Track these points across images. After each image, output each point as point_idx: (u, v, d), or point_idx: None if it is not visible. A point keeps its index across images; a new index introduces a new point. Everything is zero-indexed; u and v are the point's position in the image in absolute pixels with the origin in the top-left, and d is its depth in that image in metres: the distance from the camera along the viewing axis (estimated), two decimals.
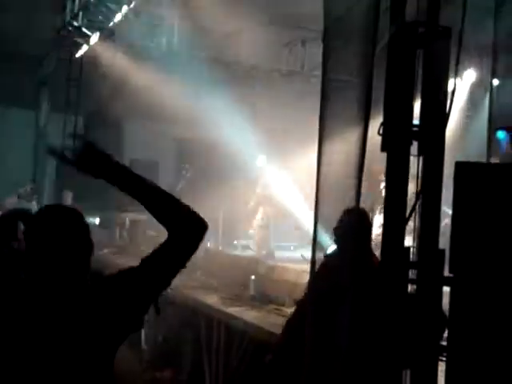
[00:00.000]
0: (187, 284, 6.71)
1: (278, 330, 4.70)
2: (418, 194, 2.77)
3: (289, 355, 3.29)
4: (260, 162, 8.67)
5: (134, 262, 1.84)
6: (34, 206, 8.26)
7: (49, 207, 1.89)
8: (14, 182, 10.03)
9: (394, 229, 2.76)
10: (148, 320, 7.07)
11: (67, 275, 1.75)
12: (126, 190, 1.75)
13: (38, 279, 1.73)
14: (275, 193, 8.44)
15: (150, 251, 1.79)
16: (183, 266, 1.80)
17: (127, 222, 10.17)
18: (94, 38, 8.87)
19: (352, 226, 3.14)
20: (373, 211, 6.34)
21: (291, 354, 3.26)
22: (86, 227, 1.82)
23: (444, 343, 2.80)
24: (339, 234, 3.25)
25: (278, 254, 8.46)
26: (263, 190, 8.53)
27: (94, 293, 1.76)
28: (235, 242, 9.52)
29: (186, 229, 1.77)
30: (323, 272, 3.16)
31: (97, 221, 10.09)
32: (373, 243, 3.48)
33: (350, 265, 2.98)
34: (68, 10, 9.12)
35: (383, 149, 2.79)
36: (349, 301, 2.85)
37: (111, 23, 8.41)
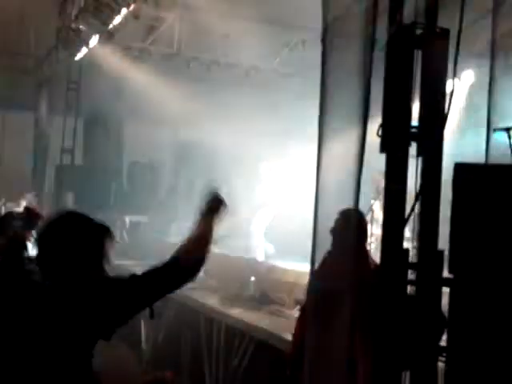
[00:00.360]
0: (187, 284, 6.70)
1: (278, 331, 4.71)
2: (417, 195, 2.78)
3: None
4: (261, 167, 8.68)
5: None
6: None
7: (62, 214, 1.96)
8: (13, 183, 10.03)
9: (393, 230, 2.77)
10: (147, 321, 7.09)
11: (78, 279, 1.84)
12: (205, 224, 2.11)
13: (52, 283, 1.81)
14: (275, 195, 8.43)
15: (148, 269, 1.94)
16: (172, 291, 2.00)
17: (127, 223, 10.17)
18: (94, 40, 8.87)
19: (348, 227, 3.14)
20: (372, 212, 6.35)
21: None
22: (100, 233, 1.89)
23: (443, 344, 2.80)
24: (335, 235, 3.25)
25: (277, 255, 8.46)
26: (264, 193, 8.53)
27: (93, 292, 1.82)
28: (235, 242, 9.51)
29: (193, 265, 2.02)
30: (322, 273, 3.17)
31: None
32: (373, 244, 3.48)
33: (347, 266, 2.98)
34: (67, 12, 9.13)
35: (382, 150, 2.80)
36: (346, 302, 2.85)
37: (110, 25, 8.41)
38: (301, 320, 3.57)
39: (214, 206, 2.16)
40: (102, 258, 1.90)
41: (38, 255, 1.86)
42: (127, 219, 10.07)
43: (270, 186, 8.49)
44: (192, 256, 2.01)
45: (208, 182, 2.25)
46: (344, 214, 3.17)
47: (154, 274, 1.92)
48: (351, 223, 3.11)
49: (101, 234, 1.94)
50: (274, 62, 9.92)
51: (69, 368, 1.80)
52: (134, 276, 1.90)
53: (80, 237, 1.88)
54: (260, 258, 8.02)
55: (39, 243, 1.88)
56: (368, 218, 6.41)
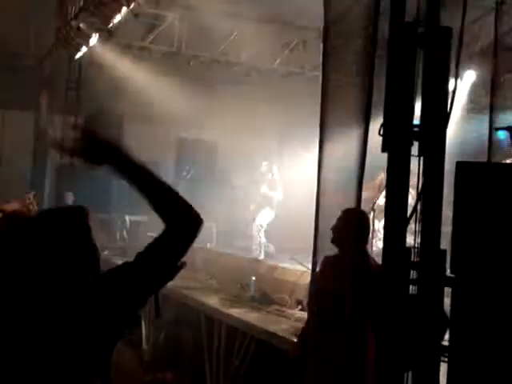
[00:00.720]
0: (188, 285, 6.70)
1: (279, 331, 4.70)
2: (419, 195, 2.76)
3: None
4: (263, 167, 8.65)
5: None
6: None
7: (48, 211, 1.89)
8: (13, 183, 10.02)
9: (395, 229, 2.75)
10: (148, 321, 7.07)
11: (64, 277, 1.76)
12: (129, 178, 1.74)
13: (38, 280, 1.74)
14: (277, 194, 8.41)
15: (145, 245, 1.79)
16: (177, 260, 1.79)
17: (127, 222, 10.16)
18: (94, 39, 8.86)
19: (351, 226, 3.13)
20: (374, 212, 6.33)
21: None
22: (85, 230, 1.82)
23: (446, 344, 2.79)
24: (338, 233, 3.24)
25: (278, 255, 8.45)
26: (265, 192, 8.51)
27: (91, 290, 1.76)
28: (235, 243, 9.52)
29: (182, 222, 1.77)
30: (323, 273, 3.16)
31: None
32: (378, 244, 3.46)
33: (349, 266, 2.97)
34: (67, 11, 9.11)
35: (384, 149, 2.79)
36: (349, 301, 2.84)
37: (110, 24, 8.40)
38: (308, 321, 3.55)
39: (104, 152, 1.70)
40: (89, 253, 1.79)
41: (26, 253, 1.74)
42: (127, 219, 10.06)
43: (272, 185, 8.47)
44: (178, 209, 1.75)
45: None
46: (346, 213, 3.15)
47: (158, 242, 1.75)
48: (352, 222, 3.10)
49: (80, 217, 1.81)
50: (275, 61, 9.90)
51: (94, 364, 1.73)
52: (138, 254, 1.76)
53: (62, 235, 1.76)
54: (261, 257, 8.00)
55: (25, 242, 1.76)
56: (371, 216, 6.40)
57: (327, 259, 3.22)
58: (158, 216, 1.79)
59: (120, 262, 1.85)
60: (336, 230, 3.23)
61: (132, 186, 1.74)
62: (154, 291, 1.82)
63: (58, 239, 1.77)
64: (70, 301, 1.73)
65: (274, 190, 8.38)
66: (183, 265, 1.93)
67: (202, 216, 1.80)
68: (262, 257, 8.03)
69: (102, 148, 1.71)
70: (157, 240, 1.78)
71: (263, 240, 8.28)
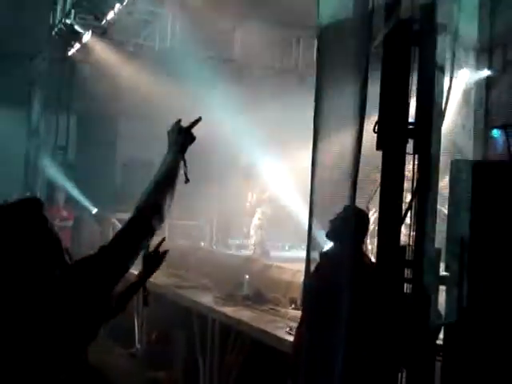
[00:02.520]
0: (181, 284, 6.67)
1: (273, 330, 4.68)
2: (413, 193, 2.75)
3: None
4: (256, 163, 8.64)
5: None
6: None
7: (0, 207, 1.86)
8: (5, 181, 9.95)
9: (389, 228, 2.74)
10: (141, 319, 7.04)
11: (27, 271, 1.73)
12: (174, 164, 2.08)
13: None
14: (273, 193, 8.39)
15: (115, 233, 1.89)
16: (137, 249, 1.89)
17: (120, 221, 10.11)
18: (87, 36, 8.80)
19: (349, 223, 3.10)
20: (368, 210, 6.32)
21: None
22: (41, 221, 1.79)
23: (440, 342, 2.78)
24: (336, 229, 3.20)
25: (273, 253, 8.43)
26: (261, 191, 8.49)
27: (58, 283, 1.75)
28: (229, 241, 9.49)
29: (145, 214, 1.89)
30: (318, 271, 3.14)
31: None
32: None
33: (344, 263, 2.95)
34: (60, 7, 9.05)
35: (378, 147, 2.77)
36: (343, 299, 2.82)
37: (104, 21, 8.35)
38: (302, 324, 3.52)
39: (183, 140, 2.11)
40: (50, 229, 1.79)
41: None
42: (120, 217, 10.01)
43: (268, 183, 8.45)
44: (154, 201, 1.94)
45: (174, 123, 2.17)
46: (346, 210, 3.12)
47: (121, 234, 1.86)
48: (352, 219, 3.07)
49: (35, 209, 1.80)
50: (270, 58, 9.87)
51: (65, 360, 1.72)
52: (102, 247, 1.83)
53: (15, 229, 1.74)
54: (257, 256, 7.97)
55: None
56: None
57: (322, 257, 3.19)
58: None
59: None
60: (335, 225, 3.18)
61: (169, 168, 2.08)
62: (116, 280, 1.86)
63: (14, 234, 1.74)
64: (36, 294, 1.71)
65: (271, 189, 8.37)
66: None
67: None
68: (257, 255, 7.99)
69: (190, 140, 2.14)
70: (118, 231, 1.87)
71: (259, 238, 8.26)
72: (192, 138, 2.14)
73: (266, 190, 8.50)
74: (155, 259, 2.19)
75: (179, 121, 2.15)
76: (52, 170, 10.85)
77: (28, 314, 1.69)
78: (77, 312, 1.74)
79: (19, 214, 1.78)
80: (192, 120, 2.15)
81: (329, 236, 3.21)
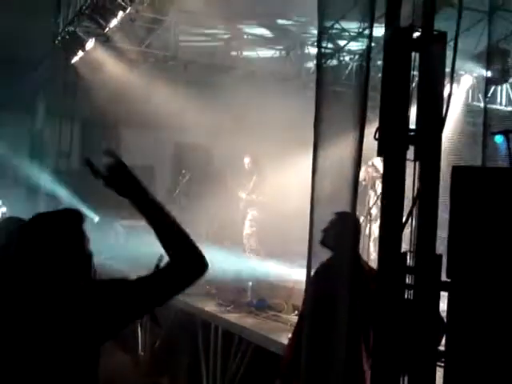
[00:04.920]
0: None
1: (276, 337, 4.69)
2: (414, 199, 2.75)
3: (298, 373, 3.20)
4: (247, 165, 8.65)
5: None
6: None
7: (42, 214, 1.90)
8: (9, 186, 9.99)
9: (390, 234, 2.74)
10: (145, 326, 7.04)
11: (54, 278, 1.78)
12: (145, 213, 1.81)
13: (28, 284, 1.75)
14: (265, 197, 8.38)
15: (148, 273, 1.84)
16: (174, 295, 1.86)
17: (124, 227, 10.12)
18: (90, 43, 8.85)
19: (344, 228, 3.12)
20: (369, 215, 6.33)
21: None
22: (79, 235, 1.84)
23: (442, 349, 2.78)
24: (331, 236, 3.22)
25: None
26: (250, 193, 8.46)
27: (81, 293, 1.78)
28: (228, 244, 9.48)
29: (187, 263, 1.82)
30: (317, 278, 3.14)
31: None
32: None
33: (342, 268, 2.96)
34: (63, 15, 9.10)
35: (379, 153, 2.78)
36: (342, 305, 2.83)
37: (107, 29, 8.39)
38: (298, 327, 3.54)
39: (123, 183, 1.81)
40: (84, 244, 1.83)
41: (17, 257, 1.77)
42: (123, 223, 10.02)
43: (255, 186, 8.42)
44: (184, 250, 1.80)
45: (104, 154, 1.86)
46: (339, 215, 3.14)
47: (160, 274, 1.81)
48: (344, 225, 3.08)
49: (75, 222, 1.85)
50: (271, 65, 9.90)
51: (74, 374, 1.76)
52: (139, 278, 1.82)
53: (54, 240, 1.79)
54: (252, 259, 7.96)
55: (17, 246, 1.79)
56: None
57: (321, 264, 3.20)
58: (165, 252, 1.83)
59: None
60: (329, 232, 3.21)
61: (147, 221, 1.81)
62: (140, 315, 1.90)
63: (50, 243, 1.79)
64: (57, 301, 1.75)
65: (254, 192, 8.35)
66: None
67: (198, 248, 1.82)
68: (253, 258, 7.96)
69: (128, 181, 1.84)
70: (161, 272, 1.82)
71: (254, 246, 8.23)
72: (117, 167, 1.85)
73: (256, 190, 8.41)
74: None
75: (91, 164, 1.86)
76: (55, 178, 10.89)
77: (46, 313, 1.73)
78: (88, 323, 1.77)
79: (60, 223, 1.83)
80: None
81: (323, 243, 3.22)
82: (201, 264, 1.83)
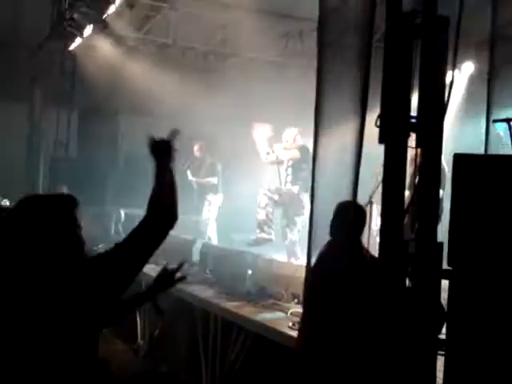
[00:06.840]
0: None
1: (275, 325, 4.68)
2: (416, 187, 2.74)
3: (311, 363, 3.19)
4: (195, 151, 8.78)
5: None
6: None
7: (35, 196, 1.91)
8: (6, 176, 9.95)
9: (392, 222, 2.73)
10: (143, 316, 7.05)
11: (45, 261, 1.78)
12: (160, 172, 2.10)
13: (17, 263, 1.76)
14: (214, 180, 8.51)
15: (128, 234, 1.93)
16: (152, 247, 1.92)
17: (123, 216, 10.10)
18: (88, 30, 8.76)
19: (347, 218, 3.10)
20: (371, 204, 6.30)
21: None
22: (70, 221, 1.83)
23: (443, 337, 2.77)
24: (334, 226, 3.21)
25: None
26: (200, 180, 8.60)
27: (74, 278, 1.79)
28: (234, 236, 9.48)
29: (158, 214, 1.94)
30: (318, 266, 3.13)
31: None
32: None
33: (345, 257, 2.95)
34: (61, 2, 9.00)
35: (381, 141, 2.75)
36: (343, 293, 2.82)
37: (105, 15, 8.30)
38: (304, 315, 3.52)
39: (160, 149, 2.16)
40: (76, 230, 1.86)
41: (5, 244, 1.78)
42: (122, 212, 9.99)
43: (209, 170, 8.47)
44: (163, 203, 1.98)
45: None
46: (340, 206, 3.13)
47: (135, 234, 1.90)
48: (347, 214, 3.07)
49: (68, 207, 1.89)
50: (271, 52, 9.83)
51: (75, 355, 1.76)
52: (118, 244, 1.89)
53: (48, 217, 1.82)
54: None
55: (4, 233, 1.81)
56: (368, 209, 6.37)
57: (323, 253, 3.19)
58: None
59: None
60: (331, 220, 3.20)
61: (156, 175, 2.10)
62: (131, 279, 1.89)
63: (45, 223, 1.80)
64: (51, 279, 1.75)
65: (213, 175, 8.53)
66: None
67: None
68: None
69: (166, 152, 2.18)
70: (134, 230, 1.91)
71: (211, 232, 8.30)
72: (166, 147, 2.18)
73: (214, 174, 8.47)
74: (169, 280, 2.23)
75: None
76: (53, 166, 10.85)
77: (42, 297, 1.74)
78: (87, 303, 1.78)
79: (54, 206, 1.87)
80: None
81: (330, 233, 3.21)
82: (170, 215, 1.97)
